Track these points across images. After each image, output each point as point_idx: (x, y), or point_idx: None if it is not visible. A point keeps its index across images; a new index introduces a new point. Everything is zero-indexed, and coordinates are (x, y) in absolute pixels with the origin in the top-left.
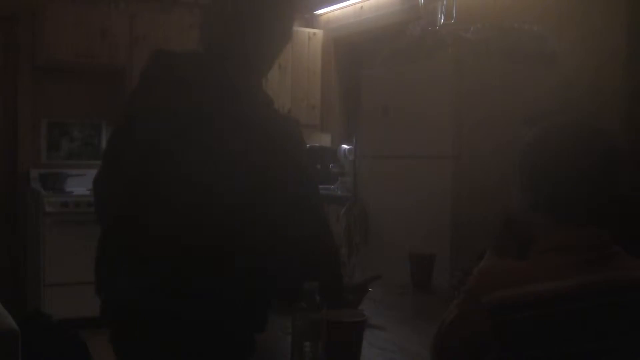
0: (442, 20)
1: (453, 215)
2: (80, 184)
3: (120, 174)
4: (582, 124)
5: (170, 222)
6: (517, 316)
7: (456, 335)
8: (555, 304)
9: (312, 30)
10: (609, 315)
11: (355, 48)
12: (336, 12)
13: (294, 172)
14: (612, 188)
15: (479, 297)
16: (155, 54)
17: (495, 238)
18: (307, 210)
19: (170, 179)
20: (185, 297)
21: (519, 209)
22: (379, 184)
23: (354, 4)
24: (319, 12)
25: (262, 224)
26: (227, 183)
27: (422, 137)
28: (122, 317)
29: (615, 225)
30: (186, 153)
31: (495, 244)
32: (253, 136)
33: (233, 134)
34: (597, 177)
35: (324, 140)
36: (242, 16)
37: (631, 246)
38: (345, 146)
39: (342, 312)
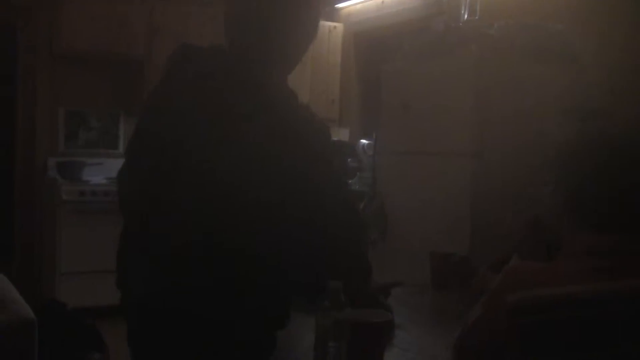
0: (465, 17)
1: (473, 213)
2: (98, 173)
3: (142, 170)
4: (628, 131)
5: (191, 219)
6: (537, 318)
7: (478, 335)
8: (574, 309)
9: (332, 24)
10: (628, 323)
11: (375, 43)
12: (357, 6)
13: (321, 166)
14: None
15: (503, 296)
16: (180, 48)
17: (522, 242)
18: (334, 204)
19: (193, 174)
20: (201, 295)
21: (549, 209)
22: (398, 180)
23: None
24: (340, 5)
25: (288, 218)
26: (251, 178)
27: (442, 134)
28: (139, 315)
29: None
30: (209, 149)
31: (522, 248)
32: (278, 131)
33: (258, 130)
34: (628, 185)
35: (342, 134)
36: (266, 12)
37: None
38: (364, 141)
39: (367, 312)
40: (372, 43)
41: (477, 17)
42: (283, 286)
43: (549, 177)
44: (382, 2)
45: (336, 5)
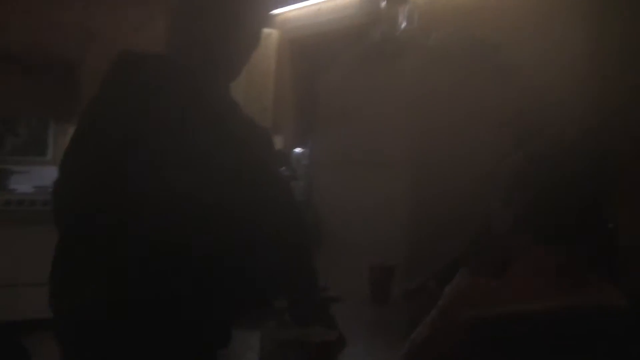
0: (403, 26)
1: (409, 224)
2: (25, 182)
3: (82, 180)
4: (574, 148)
5: (135, 226)
6: (492, 337)
7: (428, 355)
8: (530, 326)
9: (267, 30)
10: (585, 339)
11: (312, 50)
12: (293, 13)
13: (267, 173)
14: (596, 213)
15: (455, 315)
16: (122, 55)
17: (470, 256)
18: (281, 211)
19: (136, 183)
20: (141, 308)
21: (499, 226)
22: (334, 190)
23: (311, 5)
24: (275, 12)
25: (234, 226)
26: (195, 187)
27: (380, 144)
28: (77, 328)
29: (592, 250)
30: (156, 158)
31: (470, 262)
32: (221, 139)
33: (200, 137)
34: (585, 201)
35: (275, 142)
36: (207, 20)
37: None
38: (298, 149)
39: (314, 331)
40: (308, 50)
41: (414, 27)
42: (225, 301)
43: (499, 192)
44: (319, 9)
45: (272, 12)
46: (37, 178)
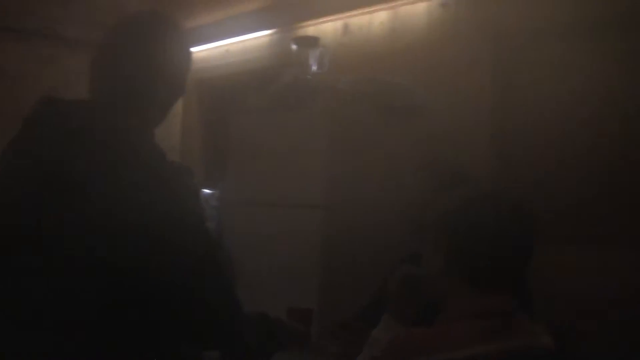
0: (314, 69)
1: (322, 267)
2: None
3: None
4: (501, 194)
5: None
6: None
7: None
8: None
9: None
10: None
11: (220, 91)
12: (202, 54)
13: (191, 222)
14: (525, 256)
15: None
16: (44, 100)
17: (395, 301)
18: (206, 262)
19: (52, 225)
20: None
21: (429, 271)
22: (245, 232)
23: (220, 46)
24: None
25: (157, 280)
26: (118, 238)
27: (292, 185)
28: None
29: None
30: (76, 205)
31: (395, 309)
32: (147, 185)
33: (125, 186)
34: (515, 246)
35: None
36: (129, 65)
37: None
38: (207, 190)
39: None
40: (217, 91)
41: (325, 70)
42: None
43: (429, 236)
44: (227, 50)
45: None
46: None
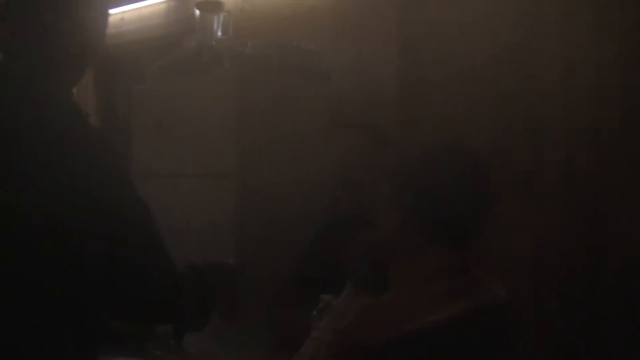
0: (218, 35)
1: (235, 237)
2: None
3: None
4: (456, 144)
5: None
6: (403, 354)
7: None
8: (441, 335)
9: None
10: (490, 338)
11: (115, 61)
12: None
13: (121, 191)
14: (485, 211)
15: (361, 339)
16: None
17: (351, 269)
18: (131, 225)
19: None
20: None
21: (384, 228)
22: (154, 205)
23: (114, 14)
24: None
25: (76, 244)
26: (33, 203)
27: (201, 155)
28: None
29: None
30: None
31: (353, 273)
32: (65, 155)
33: (38, 153)
34: (475, 199)
35: None
36: (43, 13)
37: None
38: None
39: (192, 356)
40: (112, 61)
41: (229, 36)
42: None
43: (386, 192)
44: (122, 18)
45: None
46: None
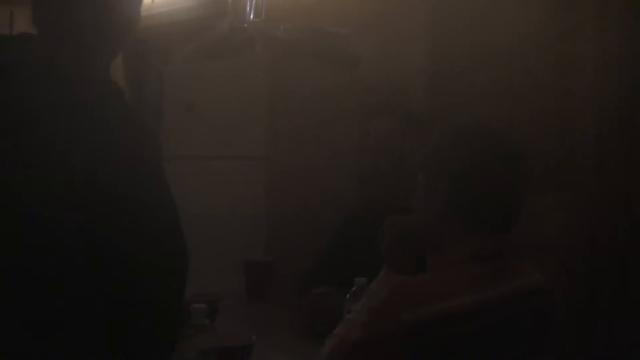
0: (251, 18)
1: (267, 218)
2: None
3: None
4: (490, 129)
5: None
6: (437, 334)
7: (368, 357)
8: (475, 318)
9: None
10: (520, 324)
11: (146, 43)
12: None
13: (153, 186)
14: (521, 195)
15: (395, 316)
16: None
17: (386, 251)
18: (160, 219)
19: None
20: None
21: (420, 215)
22: (185, 187)
23: None
24: None
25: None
26: (64, 186)
27: (232, 137)
28: None
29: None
30: (13, 158)
31: (388, 257)
32: (98, 138)
33: (68, 129)
34: (512, 182)
35: None
36: None
37: None
38: None
39: (231, 336)
40: (142, 44)
41: (262, 19)
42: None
43: (420, 179)
44: (153, 1)
45: None
46: None
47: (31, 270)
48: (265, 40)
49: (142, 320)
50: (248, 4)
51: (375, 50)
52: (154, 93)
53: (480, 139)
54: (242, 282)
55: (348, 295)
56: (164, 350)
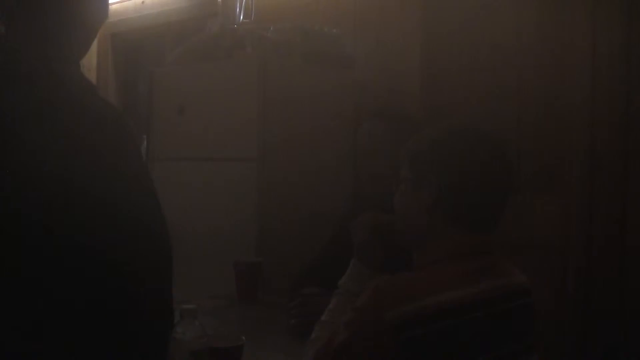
0: (240, 19)
1: (259, 219)
2: None
3: None
4: (475, 129)
5: None
6: (422, 331)
7: (354, 356)
8: (458, 315)
9: None
10: (505, 322)
11: (136, 45)
12: (114, 7)
13: (136, 186)
14: (507, 195)
15: (380, 314)
16: None
17: (360, 246)
18: (140, 215)
19: None
20: None
21: (404, 210)
22: (175, 189)
23: None
24: None
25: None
26: (40, 185)
27: (223, 139)
28: None
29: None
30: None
31: (361, 252)
32: (75, 139)
33: (43, 137)
34: (499, 182)
35: None
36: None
37: None
38: None
39: (221, 336)
40: (132, 45)
41: (252, 20)
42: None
43: (405, 175)
44: (143, 2)
45: None
46: None
47: (4, 271)
48: (255, 41)
49: (131, 321)
50: (238, 5)
51: (368, 51)
52: (144, 95)
53: (472, 139)
54: (233, 283)
55: (332, 297)
56: (155, 350)
